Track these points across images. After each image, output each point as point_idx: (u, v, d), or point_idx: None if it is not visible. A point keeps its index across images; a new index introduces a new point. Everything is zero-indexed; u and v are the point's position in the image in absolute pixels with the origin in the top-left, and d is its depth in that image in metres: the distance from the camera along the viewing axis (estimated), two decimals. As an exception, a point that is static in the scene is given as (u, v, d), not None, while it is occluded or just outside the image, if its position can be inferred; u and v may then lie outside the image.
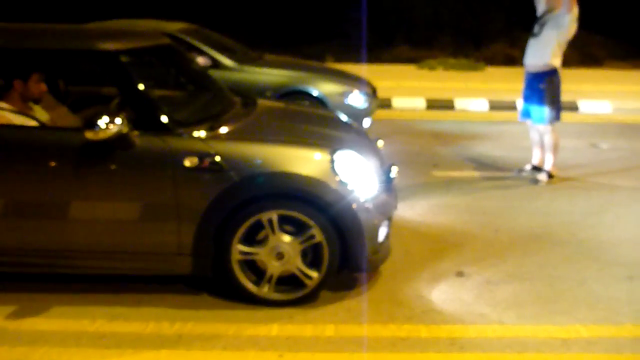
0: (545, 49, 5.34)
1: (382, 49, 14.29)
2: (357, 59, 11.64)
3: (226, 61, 6.54)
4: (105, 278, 3.43)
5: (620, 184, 5.59)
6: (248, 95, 4.30)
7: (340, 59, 10.99)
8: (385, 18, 15.76)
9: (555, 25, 5.26)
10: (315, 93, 6.48)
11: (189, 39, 6.56)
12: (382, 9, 15.72)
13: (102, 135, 2.97)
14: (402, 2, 16.10)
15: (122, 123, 3.01)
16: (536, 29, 5.44)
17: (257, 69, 6.64)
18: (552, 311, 3.30)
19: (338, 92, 6.55)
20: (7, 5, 14.12)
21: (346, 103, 6.51)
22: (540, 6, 5.48)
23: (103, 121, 2.96)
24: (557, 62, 5.37)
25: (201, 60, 6.30)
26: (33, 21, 3.94)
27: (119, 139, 3.04)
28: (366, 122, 6.75)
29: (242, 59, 6.79)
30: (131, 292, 3.39)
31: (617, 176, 5.82)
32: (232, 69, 6.50)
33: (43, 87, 3.57)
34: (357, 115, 6.56)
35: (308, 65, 7.96)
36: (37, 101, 3.59)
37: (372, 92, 6.99)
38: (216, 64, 6.45)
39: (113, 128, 2.98)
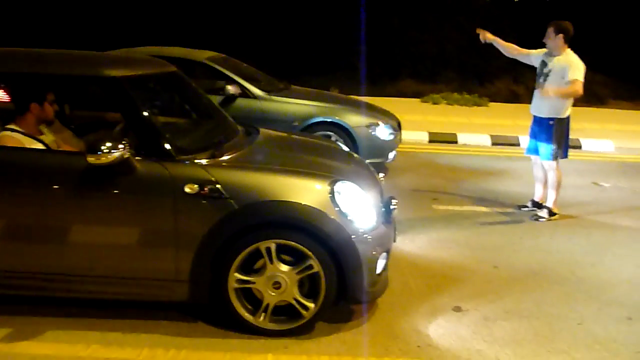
0: (550, 100, 5.31)
1: (386, 83, 14.43)
2: (361, 92, 11.74)
3: (255, 90, 6.61)
4: (101, 303, 3.42)
5: (622, 223, 5.58)
6: (250, 124, 4.33)
7: (344, 91, 11.07)
8: (390, 52, 15.95)
9: (560, 77, 5.23)
10: (342, 124, 6.53)
11: (218, 67, 6.66)
12: (388, 43, 15.93)
13: (104, 160, 3.00)
14: (407, 36, 16.32)
15: (124, 148, 3.04)
16: (541, 80, 5.41)
17: (286, 99, 6.70)
18: (550, 350, 3.27)
19: (365, 124, 6.59)
20: (41, 30, 14.45)
21: (372, 135, 6.56)
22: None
23: (105, 146, 2.99)
24: (567, 111, 5.35)
25: (232, 89, 6.35)
26: (65, 47, 4.00)
27: (120, 164, 3.06)
28: (391, 155, 6.80)
29: (269, 89, 6.87)
30: (126, 318, 3.37)
31: (618, 215, 5.81)
32: (261, 98, 6.58)
33: (55, 107, 3.64)
34: (382, 147, 6.62)
35: (335, 96, 8.06)
36: (50, 123, 3.67)
37: (397, 126, 7.05)
38: (245, 93, 6.53)
39: (115, 153, 3.00)
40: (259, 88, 6.70)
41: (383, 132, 6.65)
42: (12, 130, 3.45)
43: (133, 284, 3.26)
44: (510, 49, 5.79)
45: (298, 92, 7.28)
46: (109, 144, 3.00)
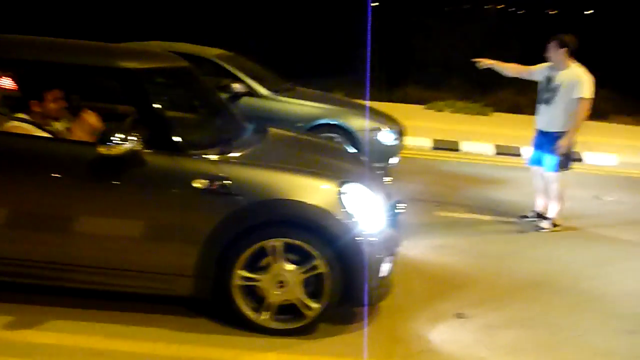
0: (560, 116, 5.28)
1: (391, 88, 14.43)
2: (365, 96, 11.72)
3: (262, 90, 6.64)
4: (106, 295, 3.40)
5: (622, 237, 5.59)
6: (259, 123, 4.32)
7: (349, 95, 11.06)
8: (395, 58, 15.98)
9: (569, 91, 5.19)
10: (346, 127, 6.53)
11: (226, 65, 6.67)
12: (393, 48, 15.95)
13: (114, 151, 3.00)
14: (413, 43, 16.36)
15: (135, 140, 3.03)
16: (547, 95, 5.35)
17: (291, 100, 6.72)
18: (552, 360, 3.27)
19: (368, 128, 6.58)
20: (53, 21, 14.41)
21: (375, 139, 6.56)
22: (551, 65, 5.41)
23: (117, 137, 2.98)
24: (573, 123, 5.27)
25: (238, 87, 6.36)
26: (77, 39, 3.94)
27: (131, 156, 3.06)
28: (394, 160, 6.79)
29: (276, 88, 6.88)
30: (130, 311, 3.36)
31: (619, 229, 5.81)
32: (267, 98, 6.60)
33: (61, 104, 3.55)
34: (385, 152, 6.61)
35: (340, 99, 8.09)
36: (55, 119, 3.59)
37: (401, 131, 7.06)
38: (251, 92, 6.54)
39: (126, 145, 3.00)
40: (265, 87, 6.71)
41: (386, 137, 6.66)
42: (21, 120, 3.42)
43: (137, 277, 3.25)
44: (509, 69, 5.78)
45: (303, 93, 7.29)
46: (120, 136, 2.99)
